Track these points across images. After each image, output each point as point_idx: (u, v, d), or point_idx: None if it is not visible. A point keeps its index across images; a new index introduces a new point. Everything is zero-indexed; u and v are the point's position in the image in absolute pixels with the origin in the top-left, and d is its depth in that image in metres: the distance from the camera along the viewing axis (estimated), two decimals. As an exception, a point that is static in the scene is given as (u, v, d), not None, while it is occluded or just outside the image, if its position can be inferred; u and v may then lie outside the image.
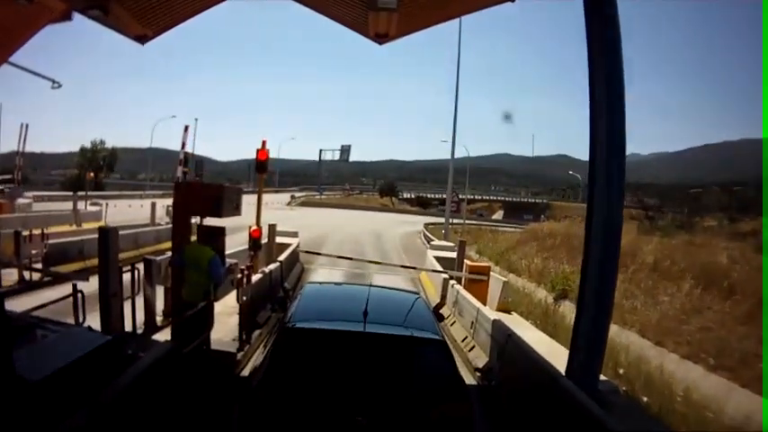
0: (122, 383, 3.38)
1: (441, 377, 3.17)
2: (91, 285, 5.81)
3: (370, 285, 4.31)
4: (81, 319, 5.24)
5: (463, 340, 7.29)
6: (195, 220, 5.77)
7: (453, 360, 3.31)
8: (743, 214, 30.66)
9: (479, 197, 73.99)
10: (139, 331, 6.19)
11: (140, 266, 6.52)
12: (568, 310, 12.16)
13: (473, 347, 6.77)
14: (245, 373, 5.47)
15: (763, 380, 6.83)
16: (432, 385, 3.15)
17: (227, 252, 9.30)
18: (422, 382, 3.16)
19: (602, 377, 5.45)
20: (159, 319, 6.58)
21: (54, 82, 18.58)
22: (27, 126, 24.12)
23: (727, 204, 40.03)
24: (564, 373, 4.65)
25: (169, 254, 6.55)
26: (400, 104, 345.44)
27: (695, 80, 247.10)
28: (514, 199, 77.41)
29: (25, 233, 9.82)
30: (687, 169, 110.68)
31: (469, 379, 5.82)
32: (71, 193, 25.14)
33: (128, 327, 5.94)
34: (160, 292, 6.90)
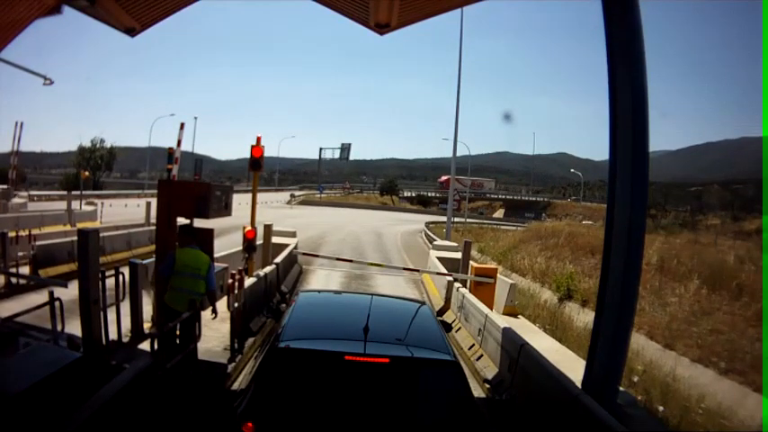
0: (90, 408, 3.01)
1: (453, 405, 2.79)
2: (74, 290, 5.45)
3: (372, 294, 3.93)
4: (60, 328, 4.88)
5: (470, 348, 6.95)
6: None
7: (468, 385, 2.92)
8: (745, 212, 30.43)
9: (480, 195, 73.70)
10: (126, 339, 5.86)
11: (126, 270, 6.13)
12: (574, 311, 11.93)
13: (481, 356, 6.43)
14: (237, 386, 5.10)
15: (763, 380, 6.81)
16: (443, 415, 2.77)
17: (222, 254, 9.12)
18: (431, 411, 2.78)
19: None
20: (147, 326, 6.22)
21: (45, 78, 18.23)
22: (22, 125, 23.81)
23: (729, 203, 39.83)
24: (580, 385, 4.32)
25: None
26: (401, 103, 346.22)
27: (695, 78, 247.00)
28: (515, 197, 77.00)
29: (12, 234, 9.50)
30: (687, 167, 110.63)
31: (478, 391, 5.50)
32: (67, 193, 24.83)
33: (114, 334, 5.59)
34: (148, 297, 6.54)
